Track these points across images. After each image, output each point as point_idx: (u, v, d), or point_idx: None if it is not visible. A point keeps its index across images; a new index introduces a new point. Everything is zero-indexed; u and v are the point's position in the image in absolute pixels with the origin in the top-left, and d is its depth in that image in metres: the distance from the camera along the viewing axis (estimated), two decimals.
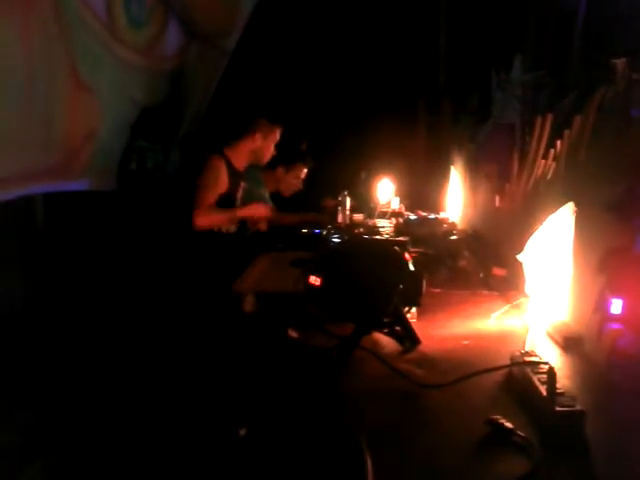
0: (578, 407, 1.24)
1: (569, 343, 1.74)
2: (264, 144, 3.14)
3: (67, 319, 3.68)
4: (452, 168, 4.79)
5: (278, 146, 3.31)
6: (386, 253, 1.67)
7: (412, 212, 4.32)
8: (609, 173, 1.61)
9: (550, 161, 2.08)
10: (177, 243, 3.00)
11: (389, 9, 6.58)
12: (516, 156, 2.69)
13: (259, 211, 3.06)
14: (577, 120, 1.78)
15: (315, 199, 4.72)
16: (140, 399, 1.43)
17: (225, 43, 7.44)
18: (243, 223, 3.27)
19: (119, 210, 4.87)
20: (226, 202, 3.08)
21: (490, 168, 3.32)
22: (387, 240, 2.40)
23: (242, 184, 3.21)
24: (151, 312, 2.89)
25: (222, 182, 3.03)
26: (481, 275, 2.65)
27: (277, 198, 3.69)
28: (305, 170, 3.26)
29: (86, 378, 2.33)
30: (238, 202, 3.18)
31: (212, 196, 3.00)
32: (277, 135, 3.21)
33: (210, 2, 6.77)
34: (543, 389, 1.30)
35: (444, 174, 5.06)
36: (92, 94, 5.20)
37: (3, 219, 4.08)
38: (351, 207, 4.08)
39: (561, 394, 1.28)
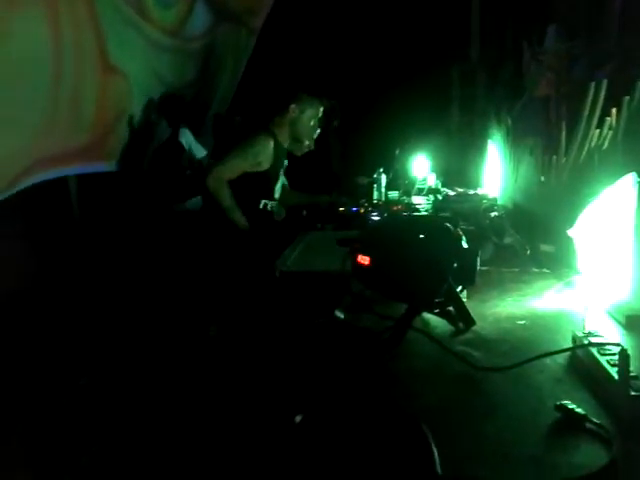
0: None
1: (632, 322, 1.65)
2: (301, 117, 3.02)
3: (98, 299, 3.70)
4: (489, 142, 4.66)
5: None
6: (438, 229, 1.59)
7: (449, 188, 4.21)
8: None
9: (606, 131, 1.97)
10: (217, 221, 2.94)
11: None
12: (563, 128, 2.56)
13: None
14: (639, 86, 1.67)
15: (349, 177, 4.66)
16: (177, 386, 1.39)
17: (253, 22, 7.37)
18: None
19: (150, 192, 4.86)
20: (262, 179, 3.01)
21: (534, 142, 3.19)
22: (438, 216, 2.31)
23: (285, 161, 3.13)
24: (189, 291, 2.87)
25: (264, 160, 2.95)
26: (528, 252, 2.55)
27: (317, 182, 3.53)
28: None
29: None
30: (276, 179, 3.10)
31: (239, 169, 2.91)
32: (318, 111, 3.07)
33: None
34: (614, 372, 1.22)
35: (481, 149, 4.94)
36: (122, 75, 5.17)
37: (38, 201, 4.11)
38: (386, 185, 4.00)
39: (635, 377, 1.19)
